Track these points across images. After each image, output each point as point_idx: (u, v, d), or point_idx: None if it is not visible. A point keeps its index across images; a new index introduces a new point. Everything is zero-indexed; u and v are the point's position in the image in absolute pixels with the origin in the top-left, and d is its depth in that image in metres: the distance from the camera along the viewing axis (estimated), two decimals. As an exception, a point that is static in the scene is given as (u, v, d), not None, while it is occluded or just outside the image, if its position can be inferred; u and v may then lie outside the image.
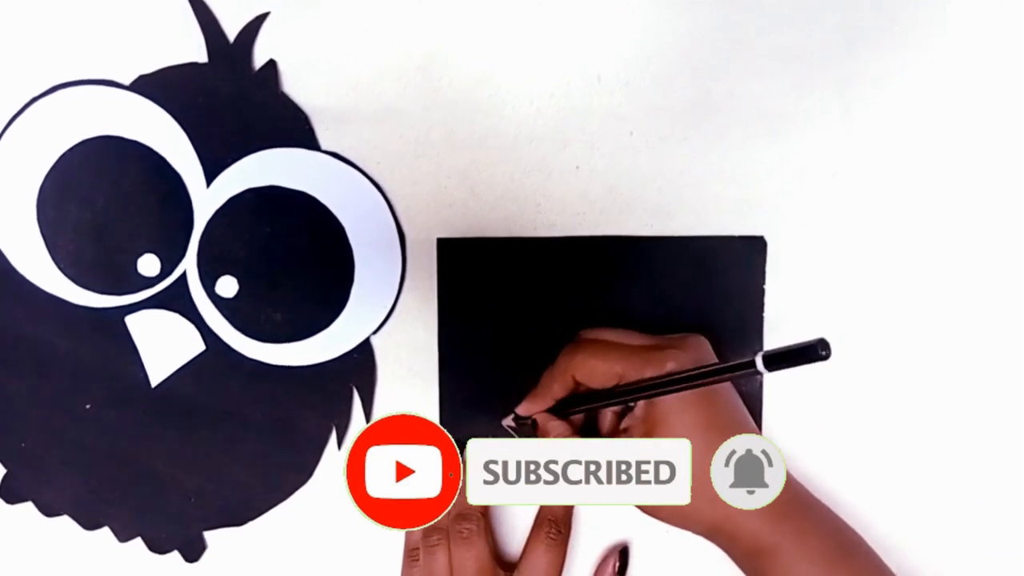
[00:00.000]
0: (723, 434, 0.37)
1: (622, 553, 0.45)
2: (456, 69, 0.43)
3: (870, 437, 0.44)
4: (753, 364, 0.31)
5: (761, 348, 0.44)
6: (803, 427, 0.45)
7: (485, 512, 0.42)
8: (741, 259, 0.44)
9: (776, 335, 0.44)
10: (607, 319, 0.44)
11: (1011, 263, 0.44)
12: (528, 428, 0.43)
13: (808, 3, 0.43)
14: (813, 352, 0.29)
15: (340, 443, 0.45)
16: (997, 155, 0.43)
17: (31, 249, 0.44)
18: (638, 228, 0.44)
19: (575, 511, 0.44)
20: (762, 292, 0.44)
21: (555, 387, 0.41)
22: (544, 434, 0.41)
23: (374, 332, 0.45)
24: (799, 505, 0.39)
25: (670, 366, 0.38)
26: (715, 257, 0.44)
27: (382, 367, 0.45)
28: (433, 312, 0.44)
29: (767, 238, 0.44)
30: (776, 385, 0.45)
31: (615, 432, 0.42)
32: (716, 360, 0.41)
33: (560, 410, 0.42)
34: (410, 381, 0.45)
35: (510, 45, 0.43)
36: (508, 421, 0.44)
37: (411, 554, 0.43)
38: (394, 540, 0.45)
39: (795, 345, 0.30)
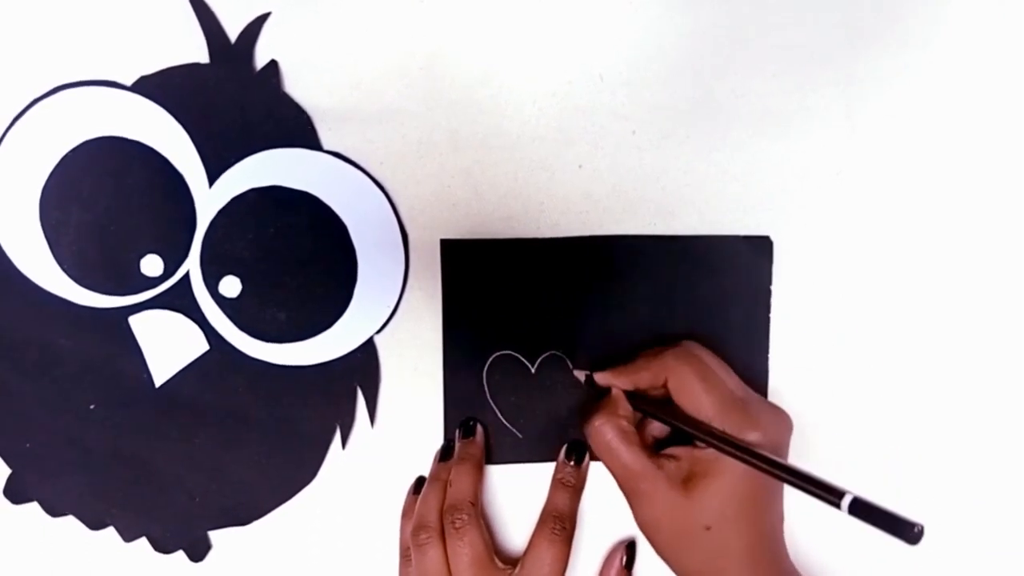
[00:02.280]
0: (759, 515, 0.39)
1: (629, 547, 0.45)
2: (458, 69, 0.43)
3: (877, 437, 0.45)
4: (839, 499, 0.30)
5: (767, 352, 0.44)
6: (810, 427, 0.45)
7: (476, 502, 0.42)
8: (747, 259, 0.44)
9: (781, 335, 0.44)
10: (610, 319, 0.44)
11: (1015, 261, 0.44)
12: (596, 389, 0.43)
13: (811, 2, 0.43)
14: (904, 530, 0.28)
15: (344, 443, 0.45)
16: (999, 153, 0.43)
17: (34, 250, 0.44)
18: (641, 227, 0.44)
19: (580, 507, 0.44)
20: (768, 292, 0.44)
21: (644, 375, 0.41)
22: (612, 406, 0.41)
23: (378, 332, 0.45)
24: None
25: (753, 437, 0.38)
26: (721, 257, 0.44)
27: (386, 367, 0.45)
28: (437, 311, 0.45)
29: (770, 237, 0.44)
30: (782, 384, 0.45)
31: (648, 443, 0.42)
32: (788, 439, 0.41)
33: (633, 397, 0.42)
34: (414, 381, 0.45)
35: (512, 45, 0.43)
36: (580, 375, 0.44)
37: (405, 554, 0.43)
38: (396, 539, 0.45)
39: (892, 512, 0.29)
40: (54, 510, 0.46)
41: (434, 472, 0.44)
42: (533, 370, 0.45)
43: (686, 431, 0.39)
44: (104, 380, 0.45)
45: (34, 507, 0.46)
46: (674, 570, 0.41)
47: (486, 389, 0.45)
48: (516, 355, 0.45)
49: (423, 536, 0.41)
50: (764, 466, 0.36)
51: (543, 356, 0.45)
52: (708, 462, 0.39)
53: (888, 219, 0.44)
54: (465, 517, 0.41)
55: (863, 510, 0.30)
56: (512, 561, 0.42)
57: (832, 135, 0.43)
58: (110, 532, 0.46)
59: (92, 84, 0.43)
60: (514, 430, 0.45)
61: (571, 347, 0.45)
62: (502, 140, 0.44)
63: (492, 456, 0.45)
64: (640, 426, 0.43)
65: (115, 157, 0.43)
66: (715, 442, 0.38)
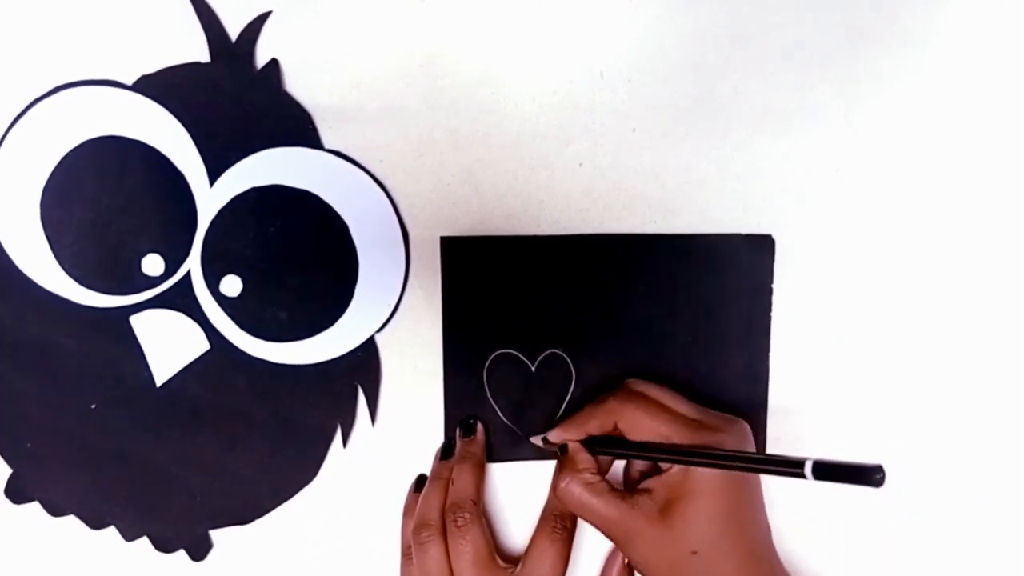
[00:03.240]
0: (741, 531, 0.39)
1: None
2: (459, 67, 0.43)
3: (877, 436, 0.45)
4: (801, 468, 0.30)
5: (768, 351, 0.44)
6: (810, 426, 0.45)
7: (477, 500, 0.42)
8: (748, 257, 0.44)
9: (782, 334, 0.44)
10: (611, 318, 0.44)
11: (1015, 259, 0.44)
12: (556, 452, 0.43)
13: (811, 1, 0.43)
14: (867, 476, 0.28)
15: (345, 442, 0.45)
16: (999, 151, 0.43)
17: (35, 249, 0.44)
18: (642, 225, 0.44)
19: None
20: (770, 291, 0.44)
21: (592, 423, 0.42)
22: (571, 463, 0.41)
23: (378, 330, 0.45)
24: None
25: (714, 443, 0.38)
26: (722, 255, 0.44)
27: (387, 365, 0.45)
28: (437, 310, 0.45)
29: (772, 236, 0.44)
30: (783, 383, 0.45)
31: (634, 485, 0.42)
32: (751, 445, 0.41)
33: (592, 446, 0.42)
34: (415, 379, 0.45)
35: (512, 43, 0.43)
36: (537, 440, 0.45)
37: (406, 552, 0.43)
38: (398, 538, 0.45)
39: (850, 463, 0.29)
40: (55, 510, 0.46)
41: (435, 471, 0.44)
42: (533, 369, 0.45)
43: (644, 457, 0.40)
44: (105, 379, 0.45)
45: (35, 507, 0.46)
46: None
47: (486, 388, 0.45)
48: (516, 354, 0.45)
49: (424, 534, 0.41)
50: (719, 463, 0.36)
51: (543, 355, 0.45)
52: (678, 486, 0.39)
53: (888, 217, 0.44)
54: (467, 515, 0.41)
55: (826, 471, 0.30)
56: (513, 560, 0.42)
57: (832, 133, 0.44)
58: (111, 531, 0.46)
59: (93, 83, 0.43)
60: (515, 428, 0.45)
61: (572, 346, 0.45)
62: (502, 138, 0.44)
63: (493, 455, 0.45)
64: (626, 467, 0.44)
65: (116, 156, 0.43)
66: (670, 456, 0.38)
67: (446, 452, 0.44)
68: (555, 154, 0.44)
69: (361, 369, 0.45)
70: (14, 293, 0.44)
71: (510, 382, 0.45)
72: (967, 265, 0.44)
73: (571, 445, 0.42)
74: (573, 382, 0.45)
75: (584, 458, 0.42)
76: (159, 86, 0.43)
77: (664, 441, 0.39)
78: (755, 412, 0.45)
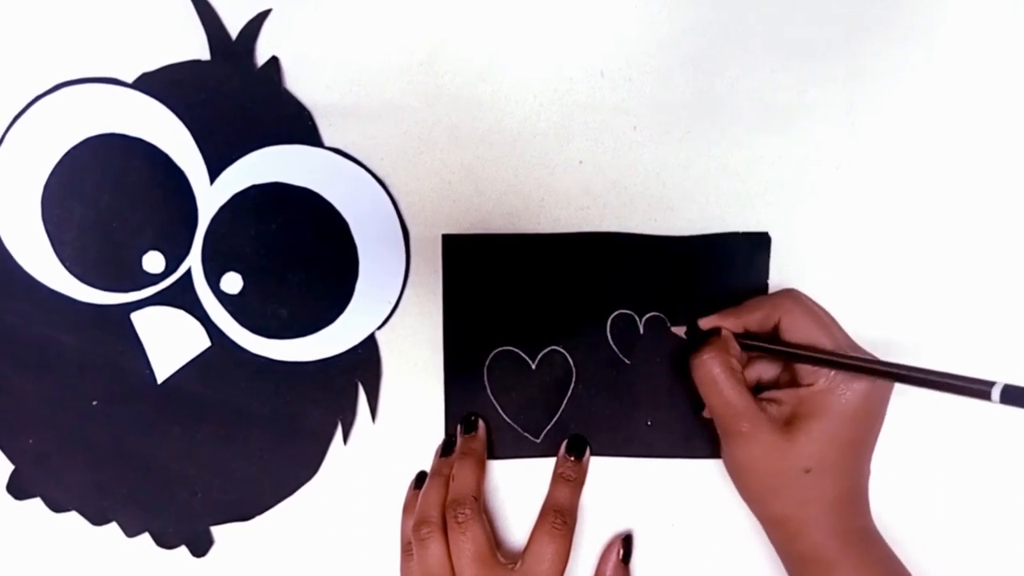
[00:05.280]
0: (855, 462, 0.40)
1: (626, 541, 0.45)
2: (459, 65, 0.43)
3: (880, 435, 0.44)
4: (989, 390, 0.30)
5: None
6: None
7: (478, 497, 0.42)
8: (746, 254, 0.44)
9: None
10: (610, 315, 0.44)
11: (1016, 256, 0.44)
12: (698, 337, 0.43)
13: (811, -3, 0.43)
14: None
15: (346, 438, 0.45)
16: (1000, 148, 0.43)
17: (36, 247, 0.44)
18: (641, 223, 0.44)
19: (580, 502, 0.44)
20: (766, 287, 0.44)
21: (756, 316, 0.41)
22: (721, 343, 0.41)
23: (379, 327, 0.45)
24: (869, 538, 0.40)
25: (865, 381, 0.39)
26: (720, 252, 0.44)
27: (387, 362, 0.45)
28: (438, 307, 0.45)
29: (770, 232, 0.44)
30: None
31: (759, 391, 0.42)
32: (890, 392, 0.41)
33: (741, 338, 0.42)
34: (415, 376, 0.45)
35: (512, 41, 0.43)
36: (679, 329, 0.44)
37: (406, 548, 0.43)
38: (398, 534, 0.45)
39: None
40: (57, 506, 0.46)
41: (436, 467, 0.45)
42: (534, 366, 0.45)
43: (807, 359, 0.39)
44: (106, 376, 0.45)
45: (37, 503, 0.46)
46: (758, 515, 0.41)
47: (487, 385, 0.45)
48: (517, 351, 0.45)
49: (425, 531, 0.41)
50: (901, 374, 0.36)
51: (544, 352, 0.45)
52: (814, 403, 0.39)
53: (888, 214, 0.44)
54: (468, 512, 0.41)
55: (1017, 396, 0.29)
56: (514, 556, 0.43)
57: (832, 130, 0.43)
58: (112, 528, 0.46)
59: (93, 81, 0.43)
60: (515, 426, 0.45)
61: (572, 343, 0.45)
62: (502, 136, 0.44)
63: (493, 451, 0.45)
64: (744, 370, 0.43)
65: (117, 154, 0.43)
66: (845, 362, 0.38)
67: (447, 449, 0.45)
68: (555, 152, 0.44)
69: (362, 366, 0.45)
70: (15, 290, 0.44)
71: (510, 379, 0.45)
72: (967, 262, 0.44)
73: (725, 331, 0.42)
74: (573, 379, 0.45)
75: (735, 346, 0.41)
76: (160, 84, 0.43)
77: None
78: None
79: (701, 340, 0.42)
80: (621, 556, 0.45)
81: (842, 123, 0.44)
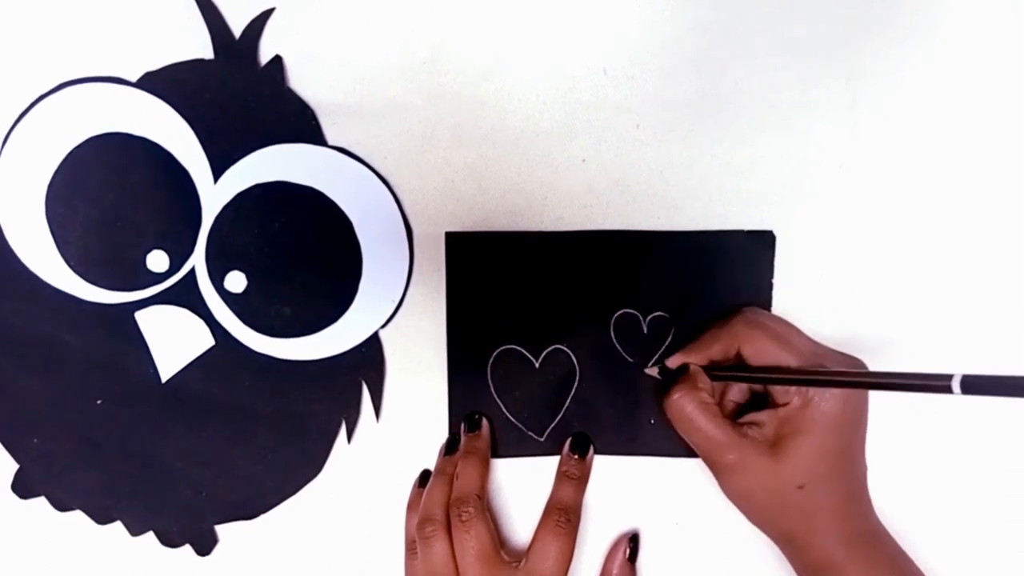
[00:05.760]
0: (848, 469, 0.40)
1: (632, 540, 0.46)
2: (462, 64, 0.43)
3: (878, 432, 0.44)
4: (948, 383, 0.30)
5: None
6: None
7: (482, 495, 0.42)
8: (750, 253, 0.44)
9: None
10: (613, 314, 0.44)
11: (1017, 254, 0.44)
12: (672, 375, 0.43)
13: (814, -5, 0.43)
14: (1022, 388, 0.28)
15: (350, 437, 0.45)
16: (1002, 146, 0.43)
17: (40, 246, 0.44)
18: (645, 221, 0.44)
19: (584, 500, 0.44)
20: (770, 286, 0.44)
21: (716, 348, 0.42)
22: (691, 380, 0.41)
23: (382, 326, 0.45)
24: (875, 538, 0.40)
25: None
26: (724, 250, 0.44)
27: (391, 360, 0.45)
28: (441, 305, 0.45)
29: (773, 230, 0.44)
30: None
31: (739, 415, 0.42)
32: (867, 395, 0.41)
33: (710, 370, 0.42)
34: (419, 374, 0.45)
35: (516, 39, 0.43)
36: (652, 371, 0.44)
37: (410, 547, 0.43)
38: (402, 532, 0.45)
39: (1002, 376, 0.29)
40: (61, 505, 0.46)
41: (440, 466, 0.45)
42: (537, 365, 0.45)
43: (775, 380, 0.39)
44: (111, 375, 0.45)
45: (41, 502, 0.46)
46: (767, 533, 0.42)
47: (490, 384, 0.45)
48: (520, 350, 0.45)
49: (429, 529, 0.41)
50: (867, 381, 0.36)
51: (547, 350, 0.45)
52: (794, 420, 0.39)
53: (891, 212, 0.44)
54: (472, 510, 0.41)
55: (975, 385, 0.29)
56: (518, 554, 0.43)
57: (835, 128, 0.44)
58: (117, 526, 0.46)
59: (97, 80, 0.43)
60: (519, 424, 0.45)
61: (575, 341, 0.45)
62: (505, 135, 0.44)
63: (497, 450, 0.45)
64: (719, 398, 0.43)
65: (120, 153, 0.43)
66: (812, 378, 0.38)
67: (450, 447, 0.45)
68: (558, 150, 0.44)
69: (365, 365, 0.45)
70: (20, 290, 0.44)
71: (514, 378, 0.45)
72: (969, 260, 0.44)
73: (692, 366, 0.42)
74: (577, 378, 0.45)
75: (704, 380, 0.41)
76: (163, 83, 0.43)
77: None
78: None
79: (673, 379, 0.43)
80: (628, 555, 0.45)
81: (844, 122, 0.44)
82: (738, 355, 0.41)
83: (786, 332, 0.41)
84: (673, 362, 0.43)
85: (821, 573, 0.40)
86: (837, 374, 0.38)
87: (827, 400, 0.38)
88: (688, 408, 0.40)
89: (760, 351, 0.40)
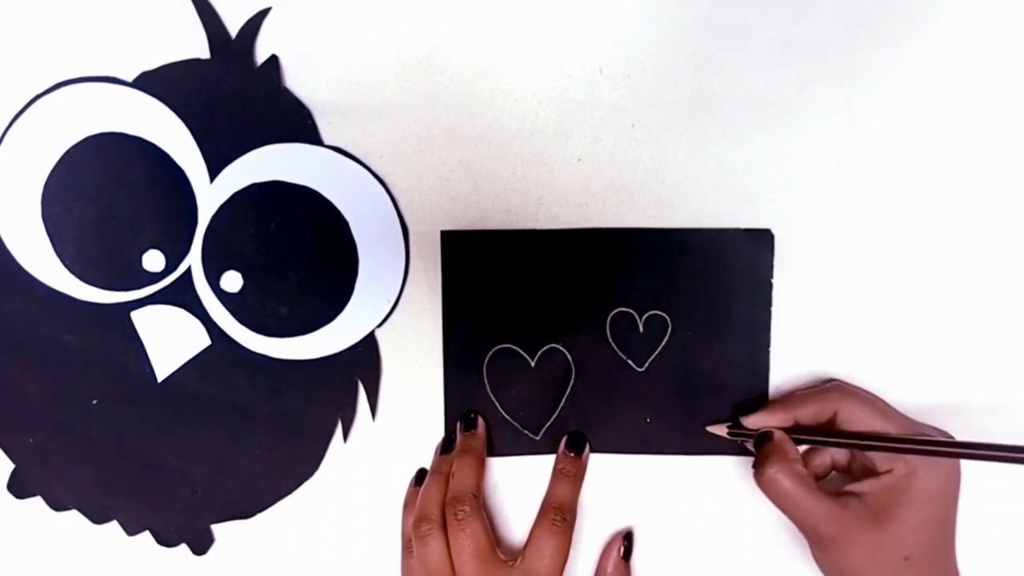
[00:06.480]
0: (950, 538, 0.39)
1: (627, 537, 0.46)
2: (458, 63, 0.43)
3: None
4: None
5: (768, 345, 0.44)
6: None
7: (478, 494, 0.42)
8: (748, 251, 0.44)
9: (782, 328, 0.44)
10: (610, 313, 0.45)
11: (1016, 253, 0.44)
12: (751, 439, 0.42)
13: (809, -6, 0.43)
14: None
15: (346, 436, 0.45)
16: (999, 145, 0.44)
17: (36, 246, 0.44)
18: (641, 220, 0.44)
19: (580, 498, 0.44)
20: (769, 285, 0.44)
21: (806, 411, 0.41)
22: (780, 451, 0.39)
23: (378, 325, 0.45)
24: None
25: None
26: (721, 249, 0.44)
27: (387, 360, 0.45)
28: (437, 304, 0.45)
29: (771, 230, 0.44)
30: (784, 377, 0.45)
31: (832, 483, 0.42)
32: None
33: (793, 432, 0.41)
34: (415, 373, 0.45)
35: (511, 38, 0.43)
36: (721, 429, 0.44)
37: (406, 546, 0.43)
38: (398, 531, 0.45)
39: None
40: (57, 504, 0.46)
41: (435, 465, 0.45)
42: (533, 364, 0.45)
43: (878, 447, 0.38)
44: (107, 375, 0.45)
45: (37, 501, 0.46)
46: None
47: (486, 382, 0.45)
48: (516, 349, 0.45)
49: (425, 528, 0.41)
50: (977, 452, 0.35)
51: (543, 349, 0.45)
52: (900, 490, 0.38)
53: (888, 210, 0.44)
54: (467, 509, 0.41)
55: None
56: (514, 553, 0.43)
57: (831, 127, 0.44)
58: (113, 526, 0.46)
59: (93, 80, 0.43)
60: (514, 423, 0.45)
61: (571, 341, 0.45)
62: (501, 134, 0.44)
63: (493, 449, 0.46)
64: (809, 464, 0.42)
65: (116, 153, 0.43)
66: (918, 447, 0.37)
67: (446, 446, 0.45)
68: (554, 149, 0.44)
69: (361, 364, 0.45)
70: (16, 289, 0.44)
71: (510, 377, 0.45)
72: (967, 259, 0.44)
73: (777, 433, 0.40)
74: (573, 377, 0.45)
75: (792, 448, 0.40)
76: (159, 83, 0.43)
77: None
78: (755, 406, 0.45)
79: (743, 435, 0.42)
80: (622, 553, 0.45)
81: (840, 121, 0.44)
82: (830, 421, 0.40)
83: (883, 404, 0.41)
84: (752, 422, 0.42)
85: None
86: (953, 444, 0.37)
87: (933, 470, 0.38)
88: (786, 484, 0.38)
89: (859, 417, 0.40)
